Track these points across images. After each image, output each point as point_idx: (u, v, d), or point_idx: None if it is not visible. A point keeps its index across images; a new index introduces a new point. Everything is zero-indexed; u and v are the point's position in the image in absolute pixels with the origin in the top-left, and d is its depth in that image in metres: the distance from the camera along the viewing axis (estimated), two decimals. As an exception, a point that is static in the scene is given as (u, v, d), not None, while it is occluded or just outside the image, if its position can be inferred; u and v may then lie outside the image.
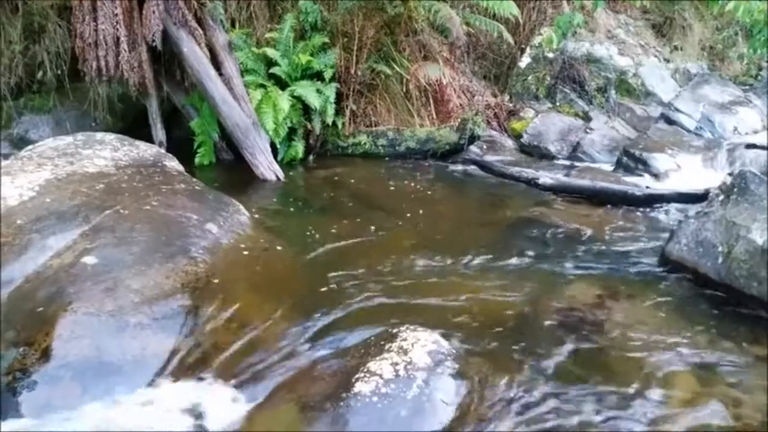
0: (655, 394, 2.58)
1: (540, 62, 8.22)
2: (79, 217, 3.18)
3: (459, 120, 6.54)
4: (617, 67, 8.52)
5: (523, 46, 8.16)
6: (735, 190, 3.60)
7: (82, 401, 2.36)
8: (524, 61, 8.20)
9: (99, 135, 4.26)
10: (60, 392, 2.36)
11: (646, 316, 3.22)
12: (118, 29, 5.13)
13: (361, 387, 2.31)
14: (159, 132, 5.80)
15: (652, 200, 5.13)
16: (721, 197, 3.67)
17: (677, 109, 7.95)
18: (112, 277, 2.83)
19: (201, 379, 2.55)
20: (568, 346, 2.88)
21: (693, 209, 4.29)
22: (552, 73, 8.18)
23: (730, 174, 4.10)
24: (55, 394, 2.35)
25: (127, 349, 2.58)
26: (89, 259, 2.90)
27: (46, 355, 2.44)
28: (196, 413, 2.37)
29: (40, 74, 5.85)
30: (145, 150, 4.29)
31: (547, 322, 3.10)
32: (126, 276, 2.87)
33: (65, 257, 2.91)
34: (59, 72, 5.80)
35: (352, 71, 6.29)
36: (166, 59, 5.71)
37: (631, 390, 2.59)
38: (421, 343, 2.56)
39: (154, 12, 5.15)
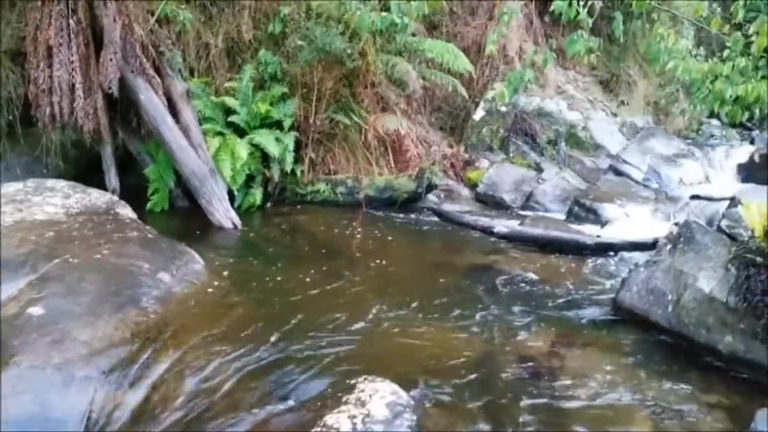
0: (611, 442, 2.60)
1: (493, 115, 8.47)
2: (26, 266, 3.08)
3: (417, 169, 6.65)
4: (567, 121, 8.84)
5: (477, 99, 8.42)
6: (681, 239, 3.73)
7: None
8: (478, 113, 8.45)
9: (50, 182, 4.17)
10: (-1, 452, 2.24)
11: (600, 365, 3.26)
12: (73, 76, 5.08)
13: (318, 442, 2.26)
14: (113, 179, 5.71)
15: (602, 249, 5.27)
16: (669, 246, 3.79)
17: (625, 161, 8.26)
18: (60, 329, 2.73)
19: (151, 434, 2.46)
20: (525, 397, 2.88)
21: (643, 258, 4.41)
22: (505, 125, 8.44)
23: (676, 224, 4.25)
24: (-6, 454, 2.23)
25: (74, 404, 2.47)
26: (35, 310, 2.80)
27: (-15, 412, 2.32)
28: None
29: (-10, 119, 5.73)
30: (97, 197, 4.22)
31: (504, 372, 3.10)
32: (74, 327, 2.77)
33: (9, 308, 2.80)
34: (10, 117, 5.68)
35: (312, 120, 6.36)
36: (123, 106, 5.67)
37: (587, 439, 2.60)
38: (380, 395, 2.53)
39: (111, 60, 5.13)
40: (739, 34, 3.99)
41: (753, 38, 3.79)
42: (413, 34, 7.20)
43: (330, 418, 2.37)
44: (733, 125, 10.79)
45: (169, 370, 2.79)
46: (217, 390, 2.72)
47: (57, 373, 2.55)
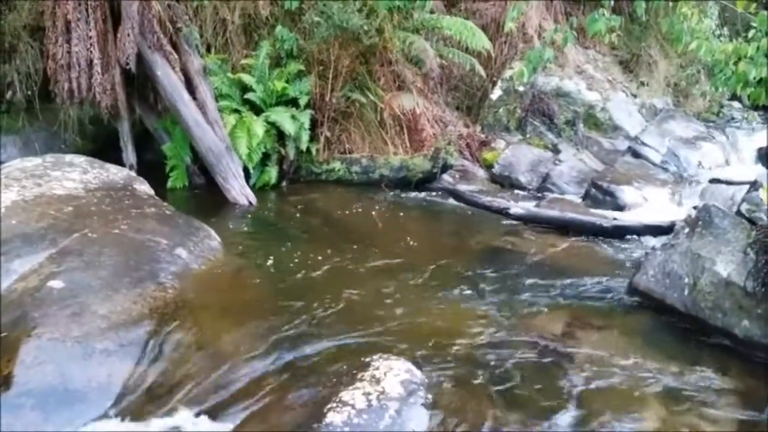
0: (625, 424, 2.60)
1: (511, 95, 8.37)
2: (45, 240, 3.12)
3: (432, 149, 6.61)
4: (585, 101, 8.71)
5: (494, 78, 8.31)
6: (700, 223, 3.69)
7: (44, 430, 2.28)
8: (496, 93, 8.35)
9: (68, 157, 4.20)
10: (21, 420, 2.28)
11: (615, 347, 3.25)
12: (91, 51, 5.10)
13: (333, 417, 2.29)
14: (130, 155, 5.75)
15: (619, 232, 5.22)
16: (687, 230, 3.75)
17: (644, 143, 8.15)
18: (79, 302, 2.78)
19: (169, 407, 2.49)
20: (539, 378, 2.90)
21: (660, 241, 4.38)
22: (522, 105, 8.34)
23: (695, 207, 4.20)
24: (16, 423, 2.27)
25: (92, 376, 2.52)
26: (55, 283, 2.84)
27: (7, 381, 2.37)
28: (164, 443, 2.31)
29: (9, 94, 5.77)
30: (115, 173, 4.24)
31: (519, 352, 3.11)
32: (93, 301, 2.81)
33: (30, 281, 2.85)
34: (29, 92, 5.72)
35: (327, 99, 6.33)
36: (140, 82, 5.69)
37: (600, 421, 2.60)
38: (394, 372, 2.55)
39: (129, 35, 5.13)
40: (765, 13, 3.90)
41: (781, 18, 3.70)
42: (431, 12, 7.11)
43: (345, 395, 2.40)
44: (755, 108, 10.58)
45: (187, 344, 2.83)
46: (234, 365, 2.75)
47: (77, 346, 2.60)
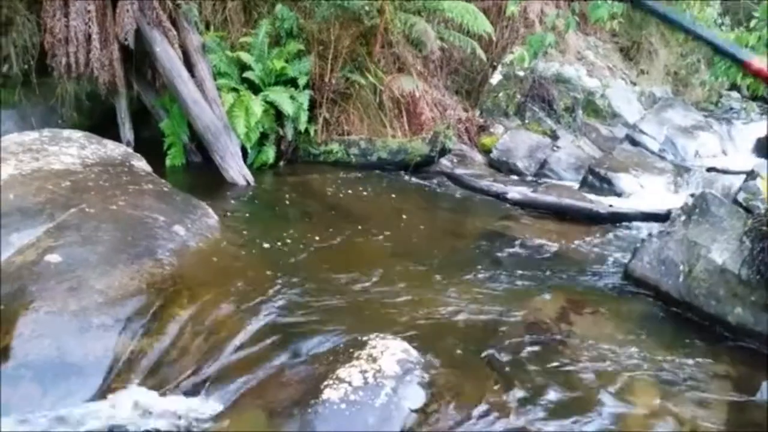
0: (616, 407, 2.63)
1: (511, 80, 8.36)
2: (43, 214, 3.11)
3: (431, 133, 6.60)
4: (585, 88, 8.71)
5: (495, 63, 8.29)
6: (696, 210, 3.71)
7: (41, 403, 2.30)
8: (495, 78, 8.34)
9: (66, 132, 4.17)
10: (20, 392, 2.30)
11: (609, 332, 3.28)
12: (90, 26, 5.05)
13: (330, 394, 2.31)
14: (127, 132, 5.72)
15: (615, 218, 5.25)
16: (683, 217, 3.77)
17: (642, 131, 8.16)
18: (76, 277, 2.77)
19: (167, 381, 2.51)
20: (533, 360, 2.92)
21: (655, 228, 4.40)
22: (522, 91, 8.33)
23: (691, 195, 4.22)
24: (15, 394, 2.29)
25: (90, 350, 2.52)
26: (53, 258, 2.83)
27: (5, 354, 2.38)
28: (161, 417, 2.33)
29: (5, 68, 5.70)
30: (112, 149, 4.22)
31: (514, 334, 3.13)
32: (90, 276, 2.81)
33: (28, 254, 2.84)
34: (26, 66, 5.66)
35: (327, 79, 6.30)
36: (138, 59, 5.63)
37: (592, 403, 2.63)
38: (390, 351, 2.57)
39: (128, 11, 5.09)
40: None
41: (783, 7, 3.70)
42: (433, -7, 7.07)
43: (342, 372, 2.42)
44: (754, 98, 10.60)
45: (184, 321, 2.84)
46: (231, 342, 2.76)
47: (74, 320, 2.60)
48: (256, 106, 5.68)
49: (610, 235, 4.97)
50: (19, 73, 5.68)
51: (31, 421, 2.26)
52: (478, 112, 8.08)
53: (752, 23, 4.04)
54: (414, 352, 2.65)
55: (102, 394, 2.43)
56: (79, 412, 2.31)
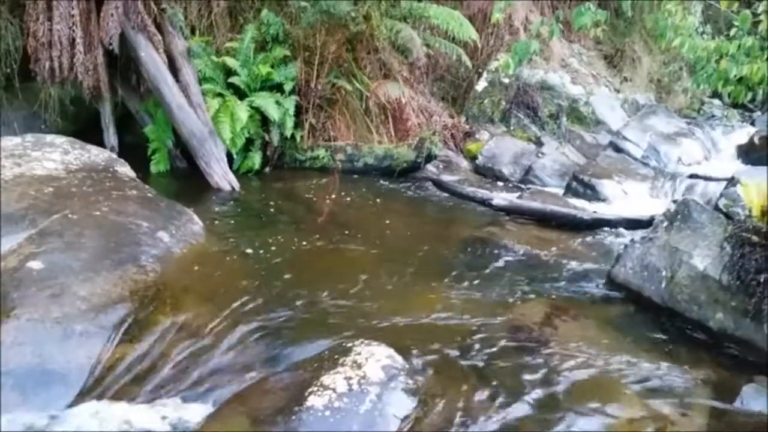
0: (599, 412, 2.65)
1: (496, 87, 8.41)
2: (25, 221, 3.08)
3: (417, 139, 6.62)
4: (569, 95, 8.79)
5: (480, 70, 8.34)
6: (678, 217, 3.75)
7: (22, 410, 2.27)
8: (481, 84, 8.38)
9: (49, 137, 4.14)
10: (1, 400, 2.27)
11: (592, 337, 3.30)
12: (74, 30, 5.02)
13: (314, 401, 2.30)
14: (111, 137, 5.69)
15: (599, 224, 5.29)
16: (666, 223, 3.81)
17: (625, 138, 8.23)
18: (59, 283, 2.75)
19: (150, 389, 2.49)
20: (517, 365, 2.93)
21: (638, 234, 4.44)
22: (507, 97, 8.38)
23: (674, 201, 4.27)
24: (-6, 403, 2.26)
25: (72, 357, 2.50)
26: (35, 264, 2.81)
27: (-15, 361, 2.35)
28: (144, 424, 2.31)
29: (-13, 72, 5.66)
30: (96, 154, 4.19)
31: (498, 340, 3.14)
32: (73, 282, 2.79)
33: (9, 261, 2.82)
34: (8, 71, 5.61)
35: (313, 85, 6.30)
36: (122, 63, 5.61)
37: (576, 409, 2.65)
38: (375, 358, 2.57)
39: (112, 15, 5.07)
40: (747, 12, 3.95)
41: (762, 17, 3.76)
42: (418, 0, 7.10)
43: (326, 378, 2.41)
44: (735, 106, 10.75)
45: (167, 328, 2.82)
46: (215, 349, 2.75)
47: (56, 327, 2.58)
48: (242, 111, 5.67)
49: (594, 241, 5.00)
50: (1, 78, 5.63)
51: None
52: (463, 119, 8.11)
53: (732, 32, 4.10)
54: (399, 358, 2.65)
55: (84, 401, 2.40)
56: (60, 419, 2.29)
